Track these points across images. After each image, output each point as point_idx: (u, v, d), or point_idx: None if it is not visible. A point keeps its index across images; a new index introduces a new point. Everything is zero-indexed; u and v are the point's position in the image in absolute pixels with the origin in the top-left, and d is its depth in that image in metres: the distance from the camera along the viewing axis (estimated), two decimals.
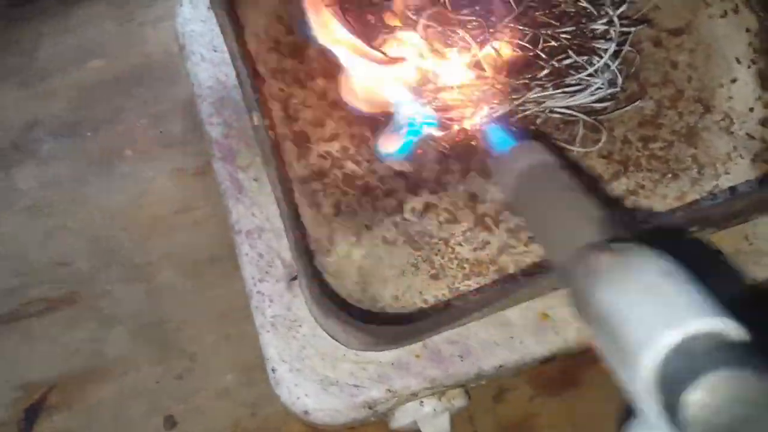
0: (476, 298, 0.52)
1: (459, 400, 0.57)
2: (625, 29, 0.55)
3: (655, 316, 0.30)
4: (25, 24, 0.75)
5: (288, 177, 0.50)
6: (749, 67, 0.59)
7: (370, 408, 0.55)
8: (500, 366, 0.56)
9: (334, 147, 0.55)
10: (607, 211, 0.39)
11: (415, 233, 0.54)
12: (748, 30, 0.59)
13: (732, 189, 0.56)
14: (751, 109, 0.58)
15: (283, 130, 0.55)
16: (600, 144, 0.56)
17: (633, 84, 0.58)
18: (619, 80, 0.54)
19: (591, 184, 0.55)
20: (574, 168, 0.56)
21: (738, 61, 0.59)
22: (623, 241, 0.35)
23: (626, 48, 0.55)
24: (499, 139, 0.49)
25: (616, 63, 0.54)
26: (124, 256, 0.68)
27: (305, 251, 0.48)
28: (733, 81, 0.59)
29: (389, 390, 0.54)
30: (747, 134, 0.57)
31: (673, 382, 0.28)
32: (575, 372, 0.66)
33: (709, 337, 0.28)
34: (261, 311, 0.54)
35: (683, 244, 0.49)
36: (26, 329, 0.65)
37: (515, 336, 0.56)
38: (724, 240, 0.59)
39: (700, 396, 0.27)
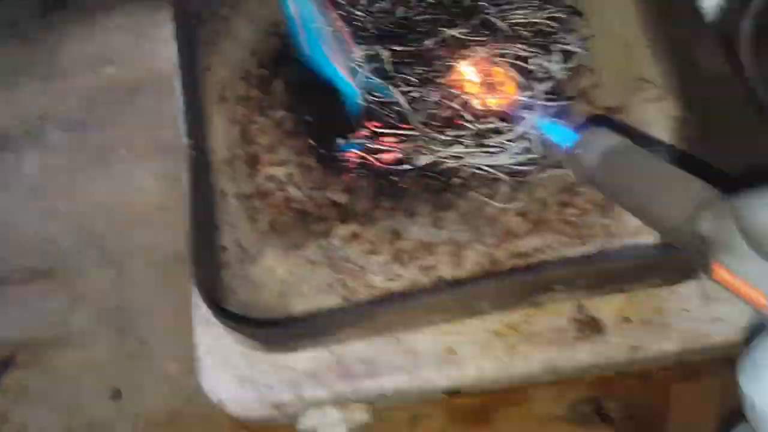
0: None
1: (360, 415, 0.62)
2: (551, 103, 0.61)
3: None
4: (54, 27, 0.85)
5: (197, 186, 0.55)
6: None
7: (277, 408, 0.61)
8: (401, 390, 0.62)
9: (281, 172, 0.63)
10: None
11: (338, 258, 0.60)
12: (673, 117, 0.64)
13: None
14: None
15: (238, 151, 0.63)
16: (517, 203, 0.61)
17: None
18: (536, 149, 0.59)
19: (503, 238, 0.61)
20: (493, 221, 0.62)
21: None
22: None
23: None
24: (560, 133, 0.52)
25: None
26: (103, 244, 0.76)
27: (199, 260, 0.53)
28: None
29: (297, 395, 0.60)
30: None
31: None
32: (490, 410, 0.70)
33: None
34: (199, 307, 0.61)
35: None
36: (6, 294, 0.74)
37: (419, 364, 0.61)
38: (636, 309, 0.63)
39: None
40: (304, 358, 0.61)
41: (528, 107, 0.60)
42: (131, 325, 0.73)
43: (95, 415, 0.69)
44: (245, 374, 0.60)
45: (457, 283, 0.57)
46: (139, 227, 0.77)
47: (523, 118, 0.57)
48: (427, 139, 0.59)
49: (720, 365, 0.70)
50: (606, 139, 0.47)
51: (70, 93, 0.83)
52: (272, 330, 0.51)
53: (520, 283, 0.49)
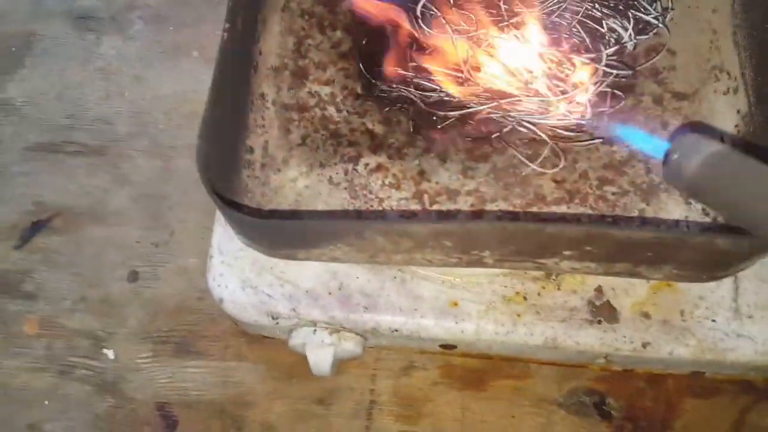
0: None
1: (349, 344, 0.62)
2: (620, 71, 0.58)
3: None
4: None
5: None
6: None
7: (273, 318, 0.61)
8: (395, 331, 0.61)
9: (325, 90, 0.62)
10: None
11: (358, 185, 0.59)
12: (738, 111, 0.59)
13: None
14: None
15: (289, 62, 0.63)
16: (556, 170, 0.59)
17: (617, 127, 0.60)
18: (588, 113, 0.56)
19: (532, 201, 0.59)
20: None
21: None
22: None
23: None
24: (646, 140, 0.50)
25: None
26: (156, 134, 0.79)
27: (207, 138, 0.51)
28: None
29: (294, 310, 0.61)
30: (703, 209, 0.58)
31: None
32: (484, 377, 0.69)
33: None
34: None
35: None
36: (57, 161, 0.77)
37: (419, 309, 0.61)
38: (658, 306, 0.60)
39: None
40: (309, 277, 0.61)
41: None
42: (164, 215, 0.76)
43: (110, 292, 0.72)
44: (249, 279, 0.61)
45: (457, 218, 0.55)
46: (192, 127, 0.78)
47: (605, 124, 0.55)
48: (475, 86, 0.56)
49: (739, 389, 0.65)
50: (706, 145, 0.43)
51: None
52: (264, 226, 0.51)
53: (524, 234, 0.46)
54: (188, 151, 0.78)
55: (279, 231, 0.50)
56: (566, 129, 0.58)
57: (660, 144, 0.47)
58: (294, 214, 0.56)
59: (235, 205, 0.48)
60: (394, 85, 0.61)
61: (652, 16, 0.59)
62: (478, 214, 0.56)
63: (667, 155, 0.45)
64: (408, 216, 0.56)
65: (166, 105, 0.80)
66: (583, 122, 0.56)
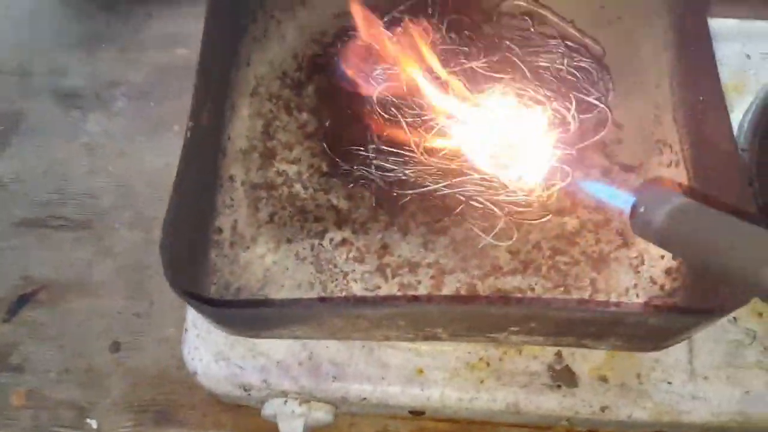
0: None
1: (320, 414, 0.64)
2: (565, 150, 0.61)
3: None
4: (141, 5, 0.93)
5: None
6: None
7: (245, 390, 0.64)
8: (364, 399, 0.63)
9: (292, 169, 0.66)
10: None
11: (324, 259, 0.62)
12: (680, 184, 0.63)
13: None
14: (662, 257, 0.61)
15: (257, 143, 0.67)
16: (510, 242, 0.62)
17: (566, 200, 0.64)
18: (537, 192, 0.60)
19: (489, 272, 0.62)
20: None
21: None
22: None
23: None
24: (616, 195, 0.54)
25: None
26: (139, 207, 0.82)
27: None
28: None
29: (265, 381, 0.63)
30: (651, 278, 0.61)
31: None
32: None
33: None
34: None
35: None
36: (43, 236, 0.81)
37: (386, 378, 0.63)
38: (615, 370, 0.62)
39: None
40: (280, 348, 0.64)
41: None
42: (145, 285, 0.78)
43: (93, 363, 0.75)
44: (222, 351, 0.64)
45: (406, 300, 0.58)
46: None
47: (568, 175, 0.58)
48: (431, 167, 0.60)
49: None
50: (671, 198, 0.47)
51: (142, 66, 0.90)
52: (220, 310, 0.54)
53: (469, 314, 0.49)
54: None
55: (239, 317, 0.53)
56: (518, 205, 0.61)
57: (625, 198, 0.50)
58: (250, 303, 0.59)
59: (198, 296, 0.51)
60: (356, 166, 0.64)
61: (594, 97, 0.63)
62: (428, 298, 0.59)
63: (633, 209, 0.48)
64: (357, 301, 0.59)
65: (149, 178, 0.84)
66: (533, 199, 0.60)
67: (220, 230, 0.62)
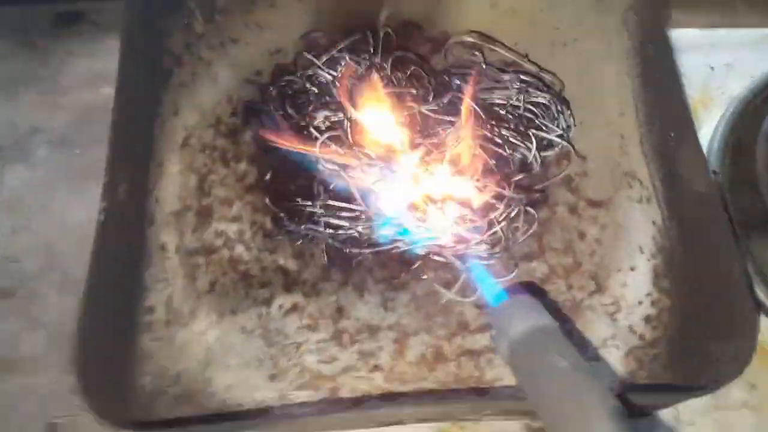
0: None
1: None
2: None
3: None
4: (61, 42, 0.84)
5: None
6: (649, 260, 0.57)
7: None
8: None
9: (232, 228, 0.59)
10: (617, 402, 0.41)
11: (273, 330, 0.56)
12: (654, 223, 0.58)
13: None
14: (640, 303, 0.56)
15: (192, 202, 0.60)
16: (474, 297, 0.57)
17: (533, 243, 0.59)
18: (502, 243, 0.55)
19: (455, 331, 0.56)
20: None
21: (641, 250, 0.58)
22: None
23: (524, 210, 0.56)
24: (488, 286, 0.52)
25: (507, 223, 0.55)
26: (67, 268, 0.75)
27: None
28: (632, 269, 0.58)
29: None
30: (629, 326, 0.56)
31: None
32: None
33: None
34: None
35: None
36: None
37: None
38: None
39: None
40: None
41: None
42: None
43: None
44: None
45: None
46: None
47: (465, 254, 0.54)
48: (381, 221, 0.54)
49: None
50: (520, 321, 0.46)
51: (65, 110, 0.82)
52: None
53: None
54: None
55: None
56: (480, 257, 0.56)
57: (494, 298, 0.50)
58: (170, 423, 0.52)
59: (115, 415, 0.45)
60: (303, 226, 0.58)
61: (556, 134, 0.58)
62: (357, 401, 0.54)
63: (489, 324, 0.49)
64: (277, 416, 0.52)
65: (76, 234, 0.76)
66: (496, 251, 0.55)
67: (151, 310, 0.55)
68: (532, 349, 0.45)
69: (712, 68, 0.72)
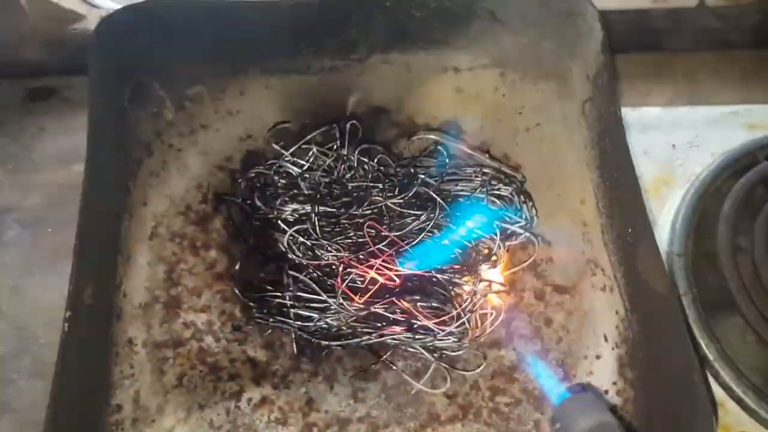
0: None
1: None
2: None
3: None
4: (33, 117, 0.85)
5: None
6: (613, 348, 0.58)
7: None
8: None
9: (201, 318, 0.59)
10: None
11: (242, 425, 0.56)
12: (617, 312, 0.59)
13: None
14: (606, 392, 0.57)
15: (160, 293, 0.60)
16: (444, 388, 0.57)
17: (501, 330, 0.59)
18: (468, 336, 0.55)
19: (426, 422, 0.56)
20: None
21: (606, 338, 0.58)
22: None
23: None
24: (550, 383, 0.55)
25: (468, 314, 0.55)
26: (38, 352, 0.74)
27: None
28: (598, 357, 0.58)
29: None
30: None
31: None
32: None
33: None
34: None
35: None
36: None
37: None
38: None
39: None
40: None
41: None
42: None
43: None
44: None
45: None
46: None
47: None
48: (348, 313, 0.55)
49: None
50: (584, 419, 0.48)
51: (37, 188, 0.82)
52: None
53: None
54: None
55: None
56: (450, 349, 0.57)
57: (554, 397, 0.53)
58: None
59: None
60: (272, 319, 0.58)
61: (519, 225, 0.59)
62: None
63: (553, 419, 0.50)
64: None
65: (47, 316, 0.75)
66: (465, 344, 0.55)
67: (119, 408, 0.55)
68: None
69: (674, 146, 0.73)
